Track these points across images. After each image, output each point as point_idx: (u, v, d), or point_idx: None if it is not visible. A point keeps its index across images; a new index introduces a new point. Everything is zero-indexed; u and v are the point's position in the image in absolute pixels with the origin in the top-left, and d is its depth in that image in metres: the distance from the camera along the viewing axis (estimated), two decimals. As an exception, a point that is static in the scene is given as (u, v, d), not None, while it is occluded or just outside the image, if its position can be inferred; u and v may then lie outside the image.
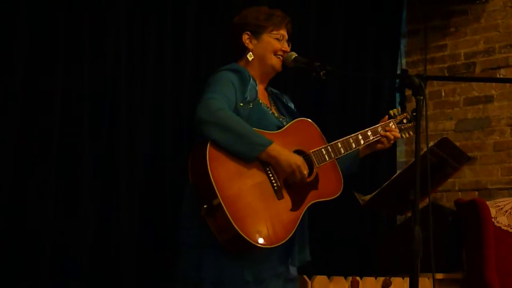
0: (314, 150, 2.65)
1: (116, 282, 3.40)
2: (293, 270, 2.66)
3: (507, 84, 5.07)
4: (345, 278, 3.90)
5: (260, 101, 2.69)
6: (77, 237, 3.26)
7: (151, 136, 3.64)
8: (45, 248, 3.11)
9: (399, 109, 2.91)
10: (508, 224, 4.65)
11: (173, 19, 3.80)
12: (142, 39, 3.65)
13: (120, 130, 3.49)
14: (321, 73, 2.62)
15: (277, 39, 2.73)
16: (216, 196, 2.38)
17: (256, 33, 2.73)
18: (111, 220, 3.42)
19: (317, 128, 2.77)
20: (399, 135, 2.85)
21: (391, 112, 2.90)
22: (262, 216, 2.44)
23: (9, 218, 3.03)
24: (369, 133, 2.81)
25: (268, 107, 2.74)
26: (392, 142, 2.85)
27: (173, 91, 3.76)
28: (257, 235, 2.41)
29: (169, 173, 3.67)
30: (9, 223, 3.03)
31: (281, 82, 2.90)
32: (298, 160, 2.55)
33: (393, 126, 2.86)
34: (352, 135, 2.77)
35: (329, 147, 2.69)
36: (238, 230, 2.37)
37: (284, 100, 2.86)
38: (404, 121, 2.89)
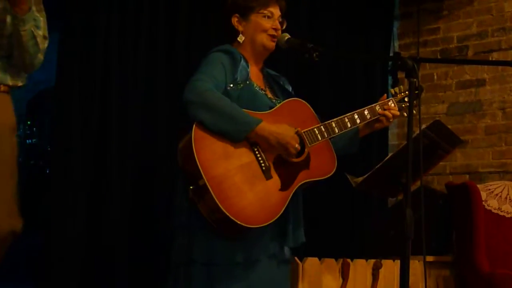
0: (306, 129, 2.62)
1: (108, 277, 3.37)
2: (286, 252, 2.65)
3: (499, 68, 5.07)
4: (336, 260, 3.92)
5: (252, 82, 2.66)
6: (69, 233, 3.22)
7: (142, 127, 3.60)
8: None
9: (402, 87, 2.87)
10: (498, 208, 4.67)
11: (165, 8, 3.76)
12: (135, 26, 3.61)
13: (112, 122, 3.44)
14: (314, 54, 2.60)
15: (268, 16, 2.70)
16: (202, 177, 2.36)
17: (245, 15, 2.71)
18: (102, 215, 3.38)
19: (310, 108, 2.73)
20: (398, 113, 2.83)
21: (392, 90, 2.88)
22: (248, 196, 2.42)
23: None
24: (366, 112, 2.78)
25: (263, 89, 2.71)
26: (391, 120, 2.83)
27: (165, 78, 3.72)
28: (243, 215, 2.38)
29: (160, 167, 3.63)
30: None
31: (273, 63, 2.87)
32: (287, 136, 2.51)
33: (393, 105, 2.84)
34: (348, 114, 2.74)
35: (322, 126, 2.67)
36: (224, 211, 2.35)
37: (281, 82, 2.84)
38: (406, 99, 2.86)
